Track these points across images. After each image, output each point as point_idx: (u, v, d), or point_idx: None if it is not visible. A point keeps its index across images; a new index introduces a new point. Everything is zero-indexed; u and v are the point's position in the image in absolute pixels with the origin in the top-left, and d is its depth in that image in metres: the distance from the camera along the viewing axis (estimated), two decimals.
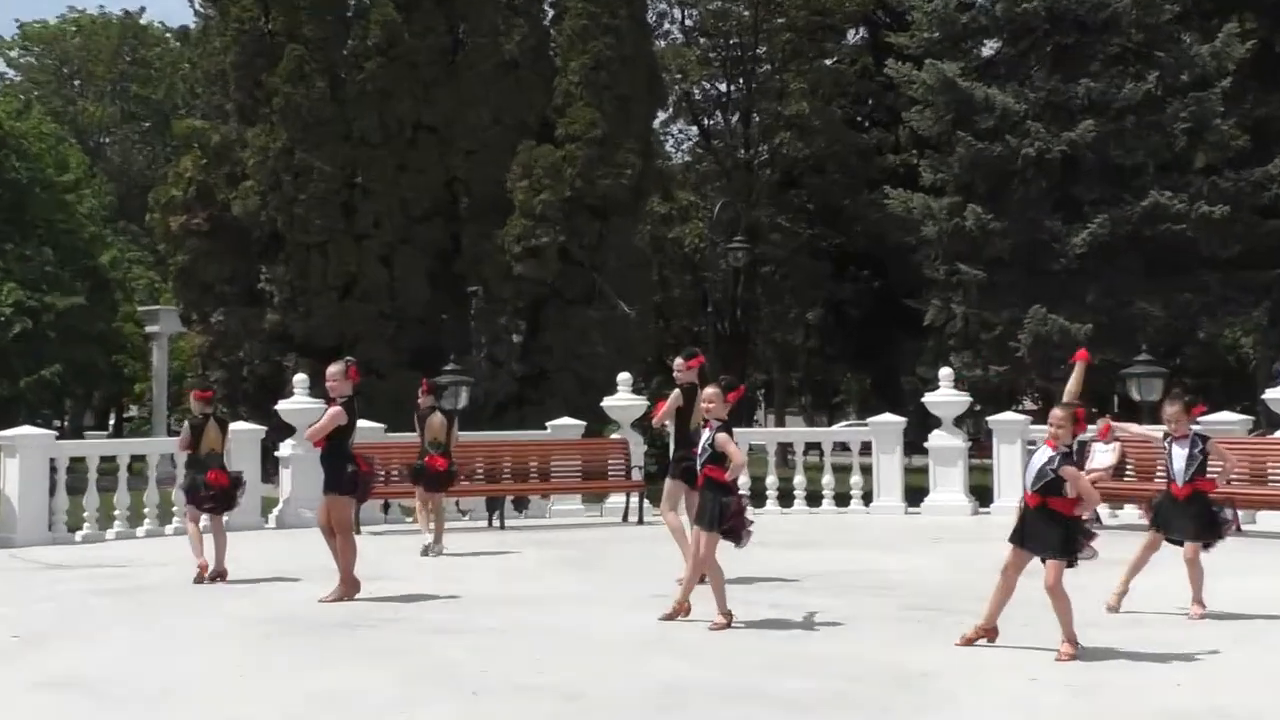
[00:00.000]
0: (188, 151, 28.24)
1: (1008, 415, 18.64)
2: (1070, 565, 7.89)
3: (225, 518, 11.78)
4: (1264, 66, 27.79)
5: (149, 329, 39.29)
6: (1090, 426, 19.36)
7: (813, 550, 13.48)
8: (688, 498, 10.71)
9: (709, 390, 9.16)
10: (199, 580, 11.29)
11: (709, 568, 8.98)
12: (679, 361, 11.07)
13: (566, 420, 18.82)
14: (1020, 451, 16.84)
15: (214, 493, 11.49)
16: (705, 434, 9.02)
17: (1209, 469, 9.40)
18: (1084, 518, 8.07)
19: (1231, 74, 25.39)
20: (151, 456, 16.58)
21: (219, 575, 11.38)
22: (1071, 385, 9.55)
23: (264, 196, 25.27)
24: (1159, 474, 15.52)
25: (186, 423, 12.05)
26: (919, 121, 27.13)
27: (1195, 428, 9.55)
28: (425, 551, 13.27)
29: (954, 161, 26.09)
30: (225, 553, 11.51)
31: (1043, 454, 7.98)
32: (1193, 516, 9.23)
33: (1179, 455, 9.30)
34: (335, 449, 10.36)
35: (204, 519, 11.80)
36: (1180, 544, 9.29)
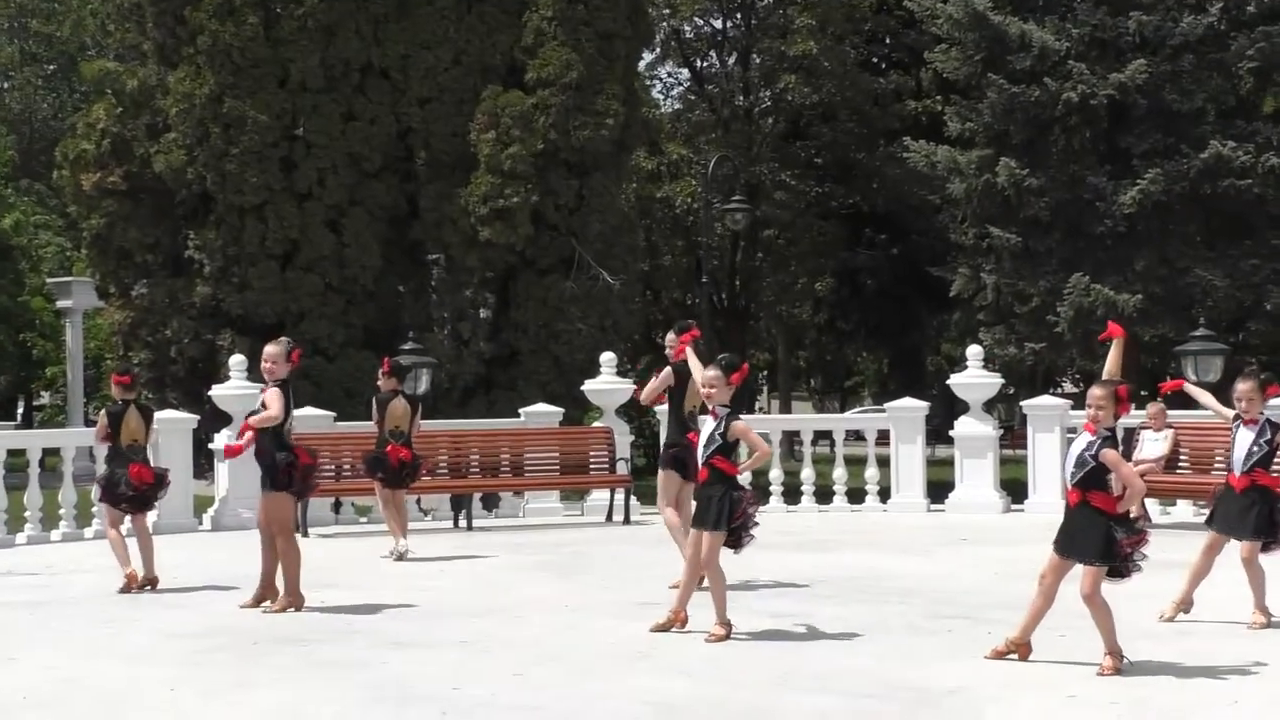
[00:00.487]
0: (100, 98, 28.23)
1: (1045, 399, 18.81)
2: (1118, 576, 7.94)
3: (151, 518, 11.90)
4: None
5: (60, 304, 39.21)
6: (1137, 410, 19.62)
7: (823, 553, 13.63)
8: (683, 491, 10.88)
9: (709, 373, 9.14)
10: (126, 590, 11.43)
11: (710, 572, 9.10)
12: (671, 336, 11.21)
13: (542, 407, 18.93)
14: (1059, 440, 17.03)
15: (133, 492, 11.60)
16: (710, 422, 9.09)
17: (1274, 462, 9.49)
18: (1131, 514, 8.16)
19: None
20: (67, 450, 16.68)
21: (149, 583, 11.52)
22: (1110, 364, 9.75)
23: (190, 151, 25.29)
24: (1218, 465, 15.77)
25: (104, 411, 12.16)
26: (944, 62, 27.22)
27: (1267, 413, 9.57)
28: (399, 556, 13.38)
29: (985, 108, 26.20)
30: (153, 557, 11.64)
31: (1081, 440, 8.07)
32: (1249, 511, 9.32)
33: (1243, 441, 9.36)
34: (270, 440, 10.48)
35: (125, 521, 11.93)
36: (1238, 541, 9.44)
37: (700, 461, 9.13)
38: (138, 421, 11.73)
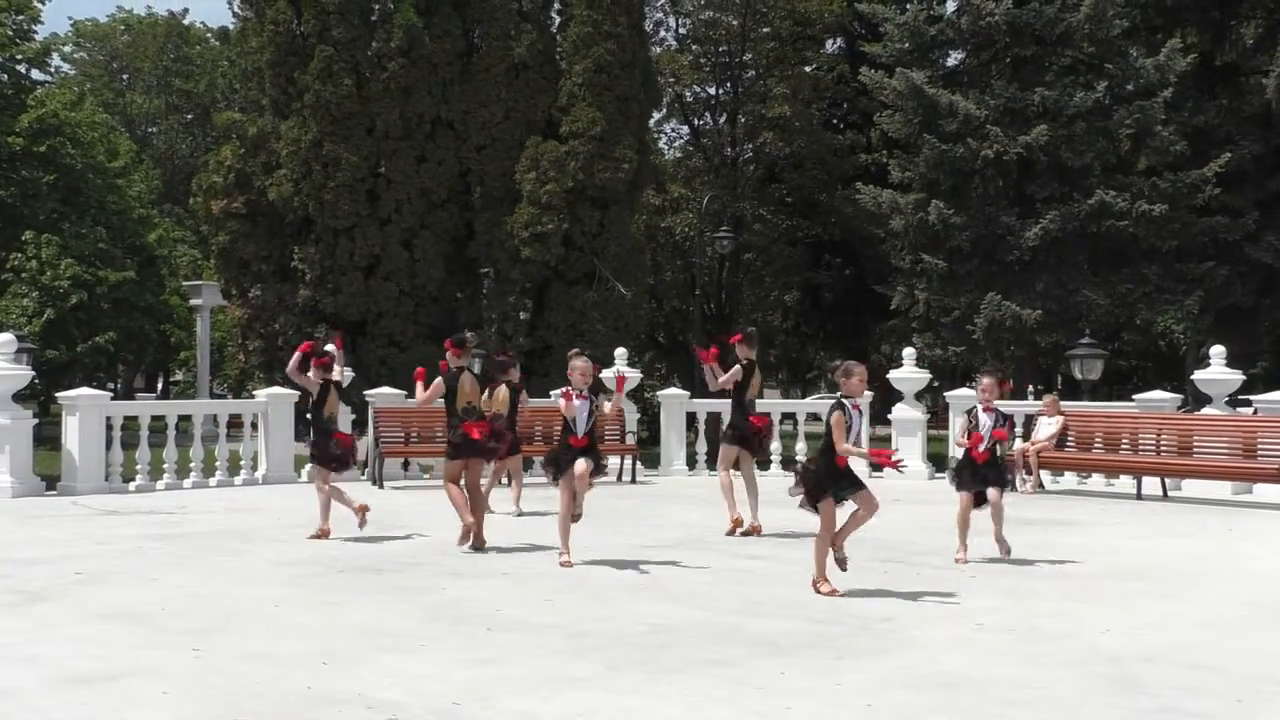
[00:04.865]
0: (227, 142, 28.23)
1: (962, 391, 18.79)
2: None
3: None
4: (1203, 78, 27.89)
5: (193, 302, 39.35)
6: (1035, 400, 19.51)
7: (788, 510, 13.55)
8: (742, 461, 11.39)
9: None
10: (361, 522, 10.86)
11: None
12: (740, 343, 11.49)
13: None
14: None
15: (340, 453, 11.10)
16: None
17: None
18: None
19: (1173, 84, 25.47)
20: (196, 416, 16.76)
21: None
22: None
23: (296, 184, 25.29)
24: (1096, 444, 15.77)
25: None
26: (889, 124, 27.19)
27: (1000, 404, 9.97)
28: (520, 514, 12.84)
29: (920, 161, 26.18)
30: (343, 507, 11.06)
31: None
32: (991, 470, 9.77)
33: (985, 423, 9.65)
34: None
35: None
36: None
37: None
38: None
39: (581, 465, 9.26)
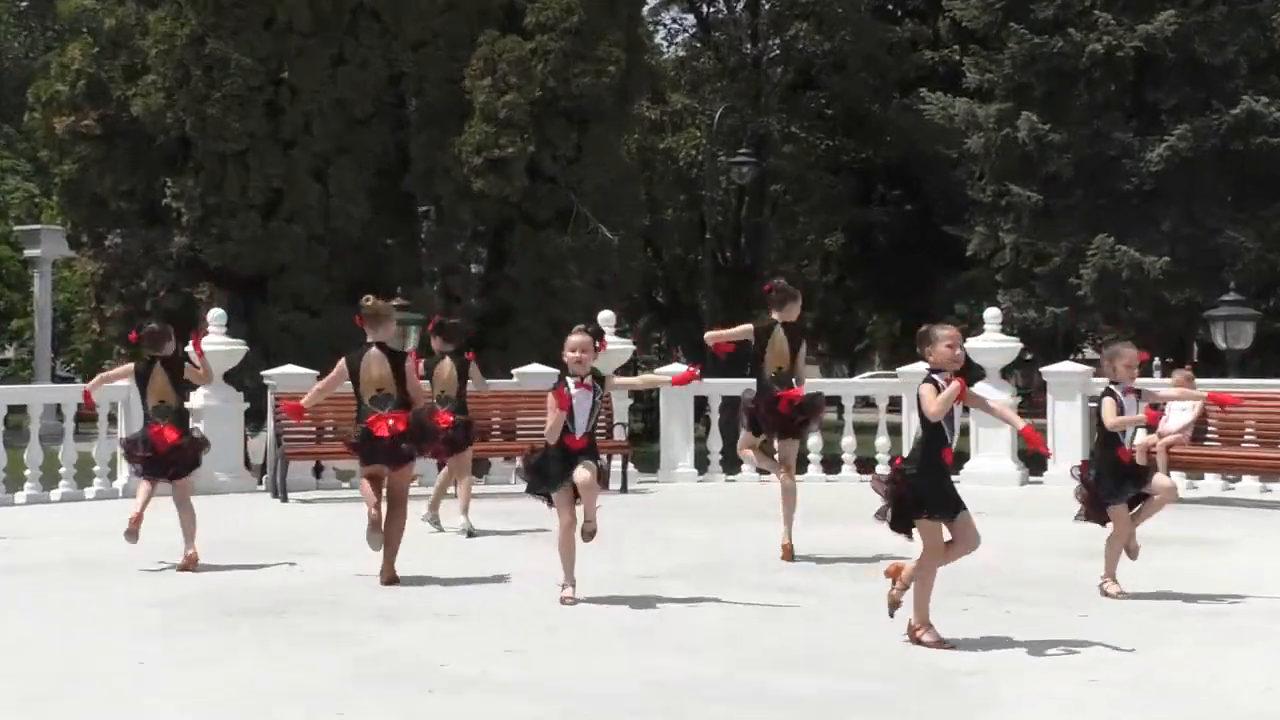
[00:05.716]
0: (75, 38, 27.98)
1: (1066, 366, 18.74)
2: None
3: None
4: None
5: (28, 253, 39.15)
6: (1163, 378, 19.46)
7: (831, 525, 13.56)
8: (764, 458, 11.80)
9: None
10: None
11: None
12: (769, 296, 11.59)
13: (536, 367, 18.82)
14: (1081, 408, 16.95)
15: (147, 455, 11.20)
16: (1133, 403, 9.52)
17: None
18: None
19: None
20: (34, 408, 16.61)
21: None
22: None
23: (169, 94, 25.11)
24: (1247, 437, 15.72)
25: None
26: (963, 10, 27.09)
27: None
28: (468, 533, 13.04)
29: (1005, 60, 26.09)
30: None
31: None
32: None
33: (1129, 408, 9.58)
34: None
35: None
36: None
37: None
38: (163, 378, 11.15)
39: (584, 474, 9.29)
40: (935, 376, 8.23)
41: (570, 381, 9.47)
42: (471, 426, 13.85)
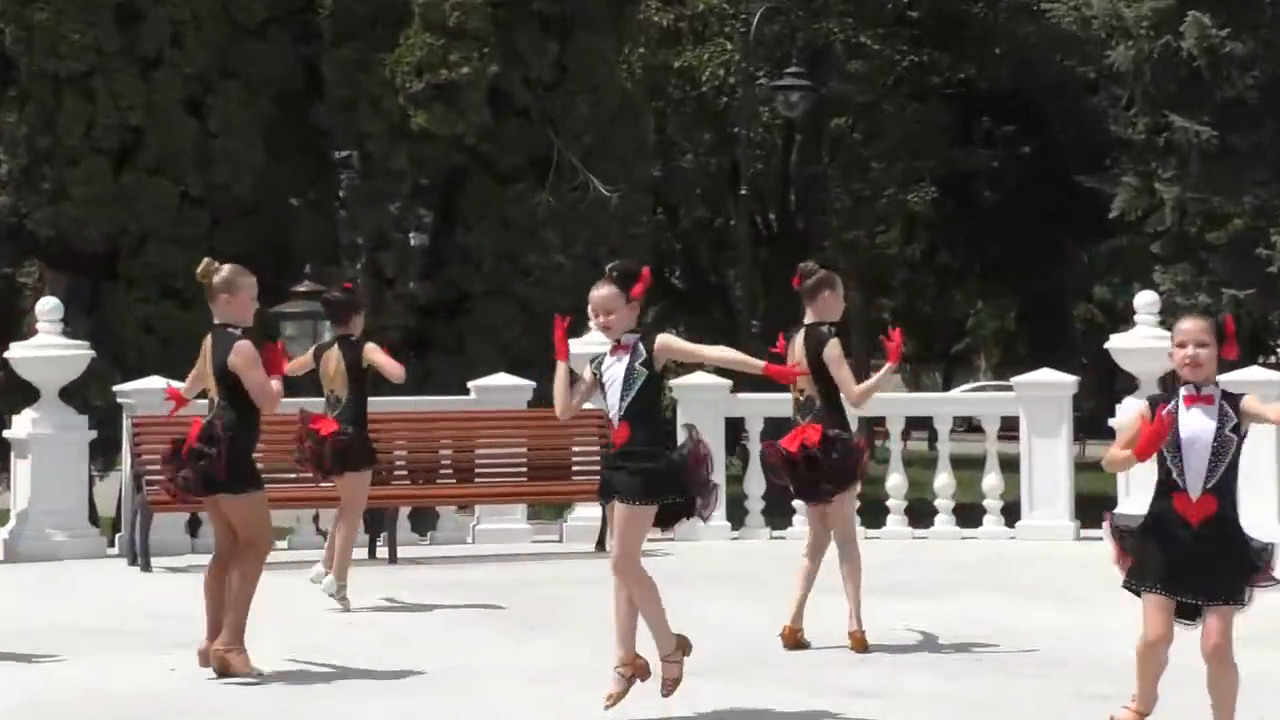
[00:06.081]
0: None
1: (1253, 372, 18.63)
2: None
3: None
4: None
5: None
6: None
7: (917, 600, 13.61)
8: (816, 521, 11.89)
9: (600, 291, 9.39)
10: None
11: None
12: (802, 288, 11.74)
13: (503, 378, 18.84)
14: (1277, 433, 16.90)
15: None
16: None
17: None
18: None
19: None
20: None
21: None
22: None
23: None
24: None
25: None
26: None
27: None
28: (338, 598, 13.26)
29: None
30: None
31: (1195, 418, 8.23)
32: None
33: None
34: None
35: None
36: None
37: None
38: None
39: (621, 511, 9.51)
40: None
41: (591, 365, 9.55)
42: (365, 445, 13.80)
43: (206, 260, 10.99)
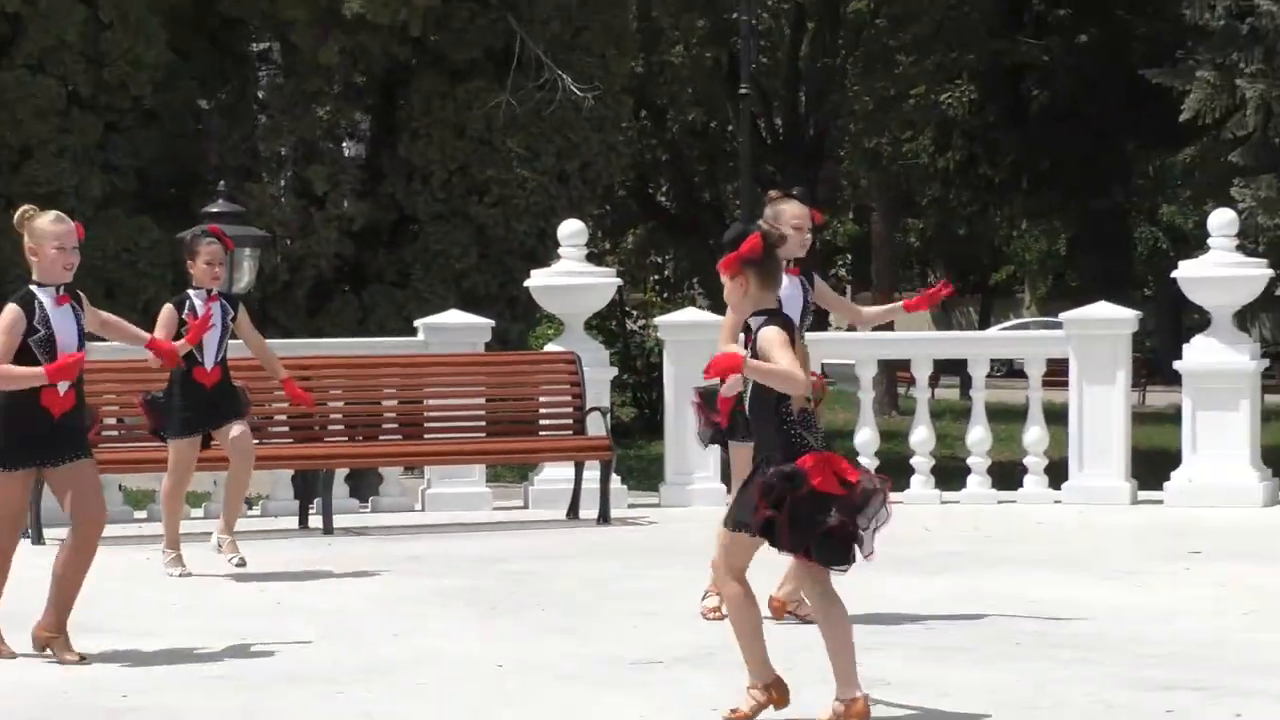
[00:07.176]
0: None
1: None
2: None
3: None
4: None
5: None
6: None
7: (951, 574, 13.76)
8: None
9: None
10: None
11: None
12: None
13: (455, 316, 18.92)
14: (1251, 391, 17.29)
15: None
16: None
17: None
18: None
19: None
20: None
21: None
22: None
23: None
24: None
25: None
26: None
27: None
28: (240, 563, 13.55)
29: None
30: None
31: None
32: None
33: None
34: None
35: None
36: None
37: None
38: None
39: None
40: None
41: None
42: (240, 397, 14.01)
43: (33, 209, 11.10)
